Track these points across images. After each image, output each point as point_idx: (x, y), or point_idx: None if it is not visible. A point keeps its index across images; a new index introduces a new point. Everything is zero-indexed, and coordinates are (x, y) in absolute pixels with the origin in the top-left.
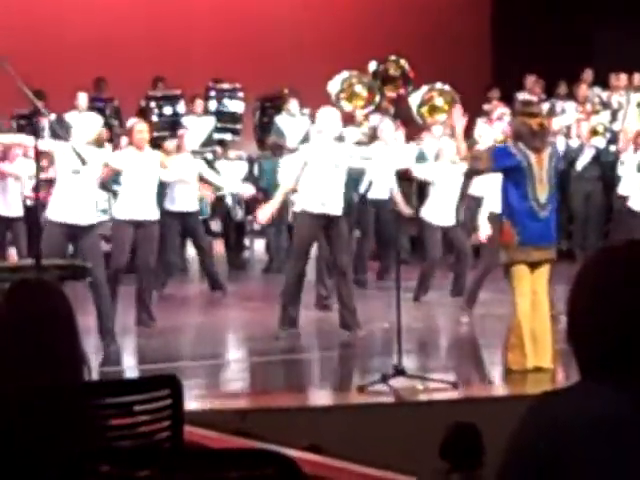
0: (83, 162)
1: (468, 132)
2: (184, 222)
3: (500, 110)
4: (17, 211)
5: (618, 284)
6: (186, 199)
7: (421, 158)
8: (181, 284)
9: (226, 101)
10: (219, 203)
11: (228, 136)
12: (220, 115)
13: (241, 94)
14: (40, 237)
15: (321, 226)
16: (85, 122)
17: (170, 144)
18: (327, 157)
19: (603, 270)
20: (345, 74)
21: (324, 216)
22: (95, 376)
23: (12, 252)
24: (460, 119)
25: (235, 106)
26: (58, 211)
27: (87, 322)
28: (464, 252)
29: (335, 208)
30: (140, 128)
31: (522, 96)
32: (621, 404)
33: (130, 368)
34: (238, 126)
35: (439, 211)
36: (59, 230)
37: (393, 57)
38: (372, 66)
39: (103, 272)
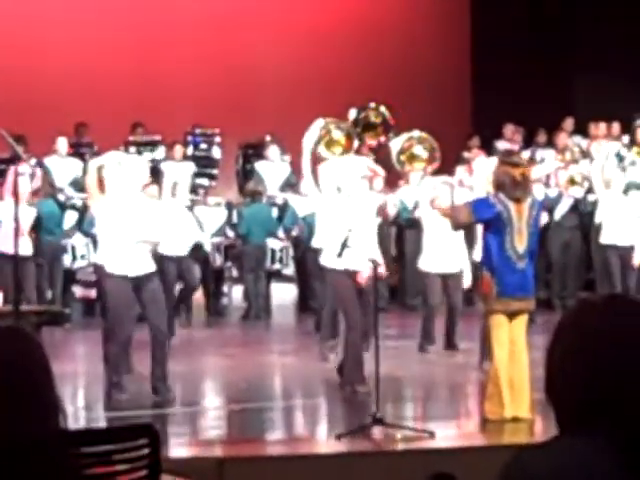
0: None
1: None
2: (179, 266)
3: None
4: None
5: (594, 339)
6: (183, 242)
7: (402, 207)
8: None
9: (203, 146)
10: (198, 250)
11: (205, 181)
12: (197, 160)
13: (218, 139)
14: (16, 282)
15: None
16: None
17: (151, 190)
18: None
19: (580, 325)
20: (321, 121)
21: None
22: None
23: None
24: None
25: (212, 151)
26: (119, 265)
27: (64, 368)
28: (455, 304)
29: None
30: None
31: (501, 144)
32: (599, 460)
33: (106, 415)
34: (215, 171)
35: (436, 258)
36: (125, 282)
37: (373, 104)
38: (352, 114)
39: (164, 320)
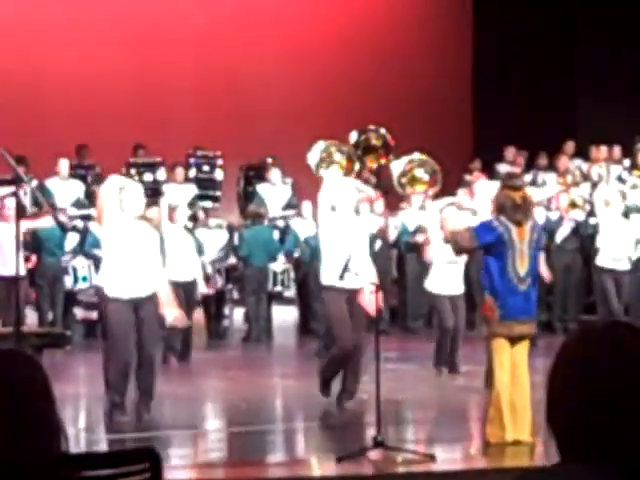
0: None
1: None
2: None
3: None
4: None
5: (594, 368)
6: (186, 268)
7: (403, 229)
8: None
9: (205, 168)
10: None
11: (208, 203)
12: (200, 182)
13: (221, 161)
14: (17, 303)
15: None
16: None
17: (151, 212)
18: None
19: (580, 353)
20: (322, 144)
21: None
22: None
23: None
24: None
25: (214, 173)
26: (120, 287)
27: (65, 390)
28: (457, 325)
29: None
30: None
31: (503, 167)
32: None
33: (108, 437)
34: (217, 193)
35: (444, 280)
36: (125, 306)
37: (373, 127)
38: (353, 136)
39: (156, 345)
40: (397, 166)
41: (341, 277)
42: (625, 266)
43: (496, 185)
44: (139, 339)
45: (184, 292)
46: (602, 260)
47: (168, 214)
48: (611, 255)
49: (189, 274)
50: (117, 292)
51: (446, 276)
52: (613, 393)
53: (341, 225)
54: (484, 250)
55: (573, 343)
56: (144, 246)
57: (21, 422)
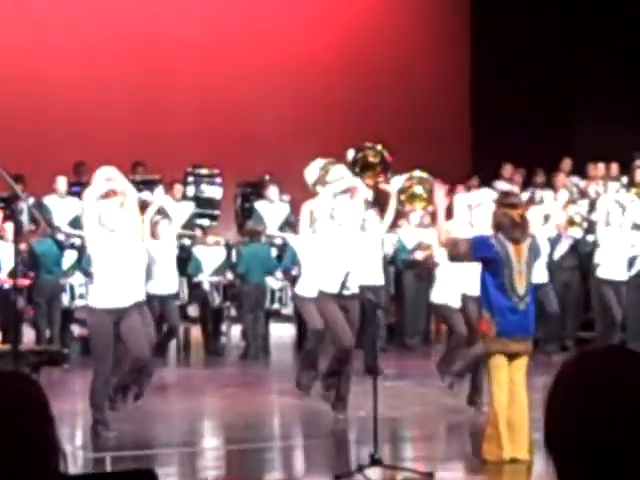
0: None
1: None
2: (162, 305)
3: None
4: None
5: (592, 393)
6: (165, 282)
7: (400, 246)
8: (157, 369)
9: (204, 187)
10: (197, 289)
11: (206, 222)
12: (198, 201)
13: (219, 179)
14: (15, 321)
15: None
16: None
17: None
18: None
19: (578, 378)
20: (320, 161)
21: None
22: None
23: None
24: (442, 200)
25: (213, 192)
26: (103, 298)
27: (62, 408)
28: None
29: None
30: None
31: (500, 185)
32: None
33: (105, 456)
34: (216, 212)
35: (452, 292)
36: (106, 316)
37: (370, 144)
38: (350, 154)
39: (146, 348)
40: (396, 183)
41: (339, 292)
42: (624, 277)
43: (479, 194)
44: (129, 349)
45: (160, 305)
46: (602, 272)
47: (150, 229)
48: (611, 266)
49: (166, 288)
50: (99, 303)
51: (455, 288)
52: (611, 414)
53: (337, 236)
54: (481, 266)
55: (571, 367)
56: (127, 257)
57: (19, 442)
